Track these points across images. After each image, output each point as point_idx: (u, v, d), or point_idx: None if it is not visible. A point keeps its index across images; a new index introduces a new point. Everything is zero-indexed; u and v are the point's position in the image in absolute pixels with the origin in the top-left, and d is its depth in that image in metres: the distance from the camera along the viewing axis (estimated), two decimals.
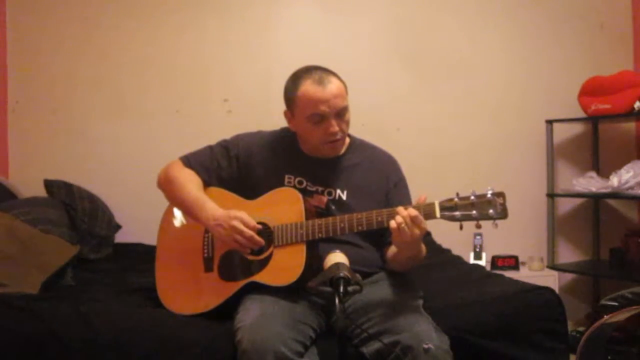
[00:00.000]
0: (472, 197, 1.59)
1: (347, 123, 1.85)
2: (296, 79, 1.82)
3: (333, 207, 1.85)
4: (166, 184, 1.93)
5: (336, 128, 1.80)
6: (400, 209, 1.61)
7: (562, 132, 3.34)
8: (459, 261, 2.67)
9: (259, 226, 1.77)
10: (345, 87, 1.83)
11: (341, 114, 1.80)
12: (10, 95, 3.15)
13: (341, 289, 1.39)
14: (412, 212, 1.59)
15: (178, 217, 1.98)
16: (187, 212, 1.90)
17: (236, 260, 1.81)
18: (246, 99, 3.17)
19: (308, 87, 1.78)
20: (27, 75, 3.16)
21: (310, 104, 1.78)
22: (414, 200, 1.68)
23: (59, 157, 3.14)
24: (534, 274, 3.05)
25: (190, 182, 1.89)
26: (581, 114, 3.15)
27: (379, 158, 1.98)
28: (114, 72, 3.17)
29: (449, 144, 3.29)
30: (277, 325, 1.55)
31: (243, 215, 1.76)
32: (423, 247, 1.78)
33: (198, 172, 1.93)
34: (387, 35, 3.28)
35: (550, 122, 3.25)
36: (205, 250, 1.89)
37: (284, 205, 1.80)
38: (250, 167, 1.93)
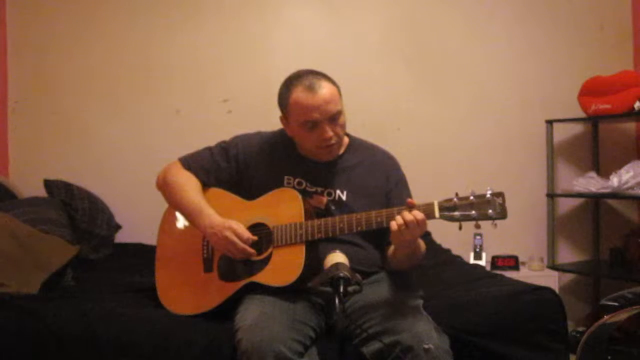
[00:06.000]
0: (472, 197, 1.59)
1: (343, 126, 1.84)
2: (288, 85, 1.81)
3: (333, 208, 1.85)
4: (165, 187, 1.93)
5: (330, 133, 1.79)
6: (405, 212, 1.60)
7: (562, 132, 3.34)
8: (459, 261, 2.67)
9: (254, 237, 1.77)
10: (339, 90, 1.82)
11: (334, 118, 1.79)
12: (10, 95, 3.15)
13: (341, 289, 1.39)
14: (418, 215, 1.59)
15: (178, 218, 1.98)
16: (185, 216, 1.91)
17: (236, 261, 1.81)
18: (246, 99, 3.17)
19: (299, 94, 1.77)
20: (27, 75, 3.16)
21: (302, 111, 1.77)
22: None
23: (59, 157, 3.14)
24: (534, 274, 3.04)
25: (189, 185, 1.90)
26: (581, 114, 3.15)
27: (379, 158, 1.97)
28: (115, 72, 3.18)
29: (449, 143, 3.29)
30: (277, 326, 1.55)
31: (237, 226, 1.76)
32: (421, 243, 1.78)
33: (197, 174, 1.93)
34: (388, 35, 3.28)
35: (550, 122, 3.24)
36: (205, 251, 1.89)
37: (283, 206, 1.80)
38: (250, 167, 1.93)
